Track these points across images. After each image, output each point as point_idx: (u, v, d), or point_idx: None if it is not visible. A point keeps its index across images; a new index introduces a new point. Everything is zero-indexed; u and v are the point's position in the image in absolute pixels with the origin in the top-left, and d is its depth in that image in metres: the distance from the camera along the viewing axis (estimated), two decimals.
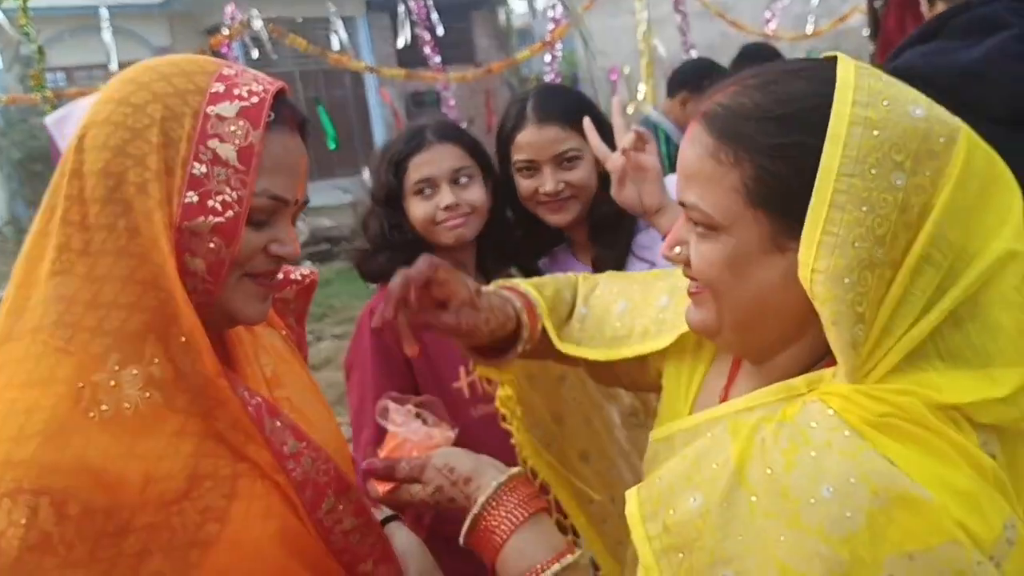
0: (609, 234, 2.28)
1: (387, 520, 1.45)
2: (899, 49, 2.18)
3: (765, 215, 1.02)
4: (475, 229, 2.18)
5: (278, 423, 1.18)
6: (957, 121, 1.00)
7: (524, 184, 2.27)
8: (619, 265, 2.23)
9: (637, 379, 1.52)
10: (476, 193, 2.16)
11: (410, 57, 12.44)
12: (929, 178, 0.95)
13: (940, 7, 2.18)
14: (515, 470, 1.24)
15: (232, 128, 1.12)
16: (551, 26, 8.31)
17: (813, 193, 0.96)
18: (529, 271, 2.41)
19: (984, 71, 1.95)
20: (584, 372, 1.66)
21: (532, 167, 2.24)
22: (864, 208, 0.94)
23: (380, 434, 1.77)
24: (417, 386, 2.14)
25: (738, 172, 1.03)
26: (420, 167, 2.14)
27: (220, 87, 1.13)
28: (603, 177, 2.22)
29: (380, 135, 22.96)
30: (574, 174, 2.22)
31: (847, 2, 13.13)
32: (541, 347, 1.50)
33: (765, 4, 12.21)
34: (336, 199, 13.09)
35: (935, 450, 0.91)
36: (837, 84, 0.99)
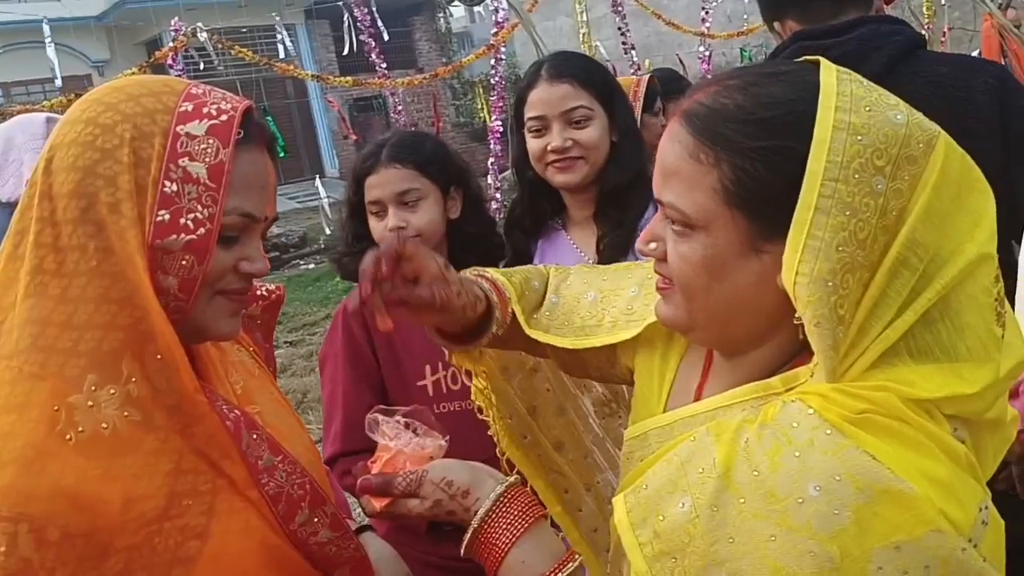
0: (616, 210, 2.28)
1: (360, 530, 1.47)
2: None
3: (743, 216, 1.03)
4: None
5: (255, 436, 1.18)
6: (935, 127, 1.02)
7: (534, 144, 2.30)
8: (624, 252, 2.22)
9: (606, 371, 1.52)
10: (422, 216, 2.17)
11: (353, 63, 12.48)
12: (908, 183, 0.97)
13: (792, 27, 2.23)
14: (512, 479, 1.25)
15: (202, 146, 1.12)
16: (494, 30, 8.45)
17: (799, 197, 0.97)
18: (521, 251, 2.45)
19: None
20: (554, 363, 1.66)
21: (542, 125, 2.28)
22: (847, 212, 0.95)
23: (351, 430, 1.80)
24: (384, 382, 2.19)
25: (717, 172, 1.03)
26: (372, 188, 2.19)
27: (188, 106, 1.14)
28: (615, 146, 2.27)
29: (325, 141, 22.94)
30: (583, 133, 2.25)
31: None
32: (512, 334, 1.50)
33: (699, 3, 12.46)
34: (283, 206, 13.10)
35: (913, 442, 0.94)
36: (821, 89, 1.00)
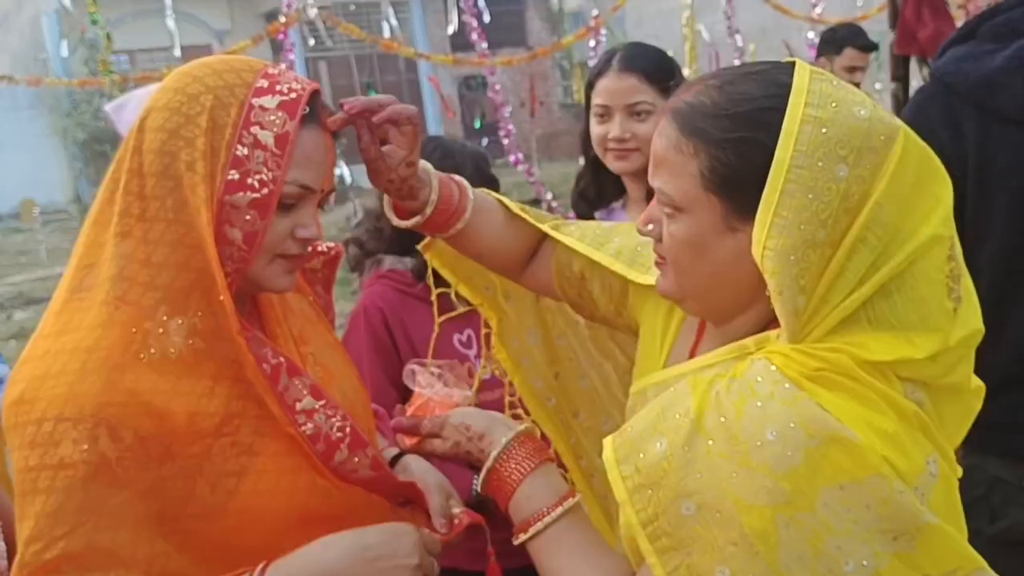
0: None
1: (402, 454, 1.60)
2: (944, 46, 2.29)
3: (718, 199, 1.16)
4: None
5: (296, 382, 1.33)
6: (897, 121, 1.14)
7: (596, 129, 2.42)
8: None
9: (613, 315, 1.64)
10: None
11: (463, 40, 12.60)
12: (869, 170, 1.09)
13: None
14: (523, 426, 1.39)
15: (271, 117, 1.27)
16: (595, 12, 8.46)
17: (767, 181, 1.09)
18: (587, 219, 2.60)
19: (999, 80, 2.06)
20: (574, 326, 1.81)
21: (606, 113, 2.39)
22: (810, 195, 1.08)
23: (379, 421, 1.94)
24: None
25: (696, 162, 1.17)
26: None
27: (264, 83, 1.29)
28: None
29: (433, 117, 23.21)
30: (643, 127, 2.34)
31: None
32: (513, 235, 1.66)
33: None
34: None
35: (862, 398, 1.06)
36: (793, 87, 1.12)
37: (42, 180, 19.47)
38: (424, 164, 1.52)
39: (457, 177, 1.62)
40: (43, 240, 14.28)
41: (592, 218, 2.61)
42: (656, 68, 2.37)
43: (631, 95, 2.35)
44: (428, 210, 1.53)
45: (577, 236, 1.61)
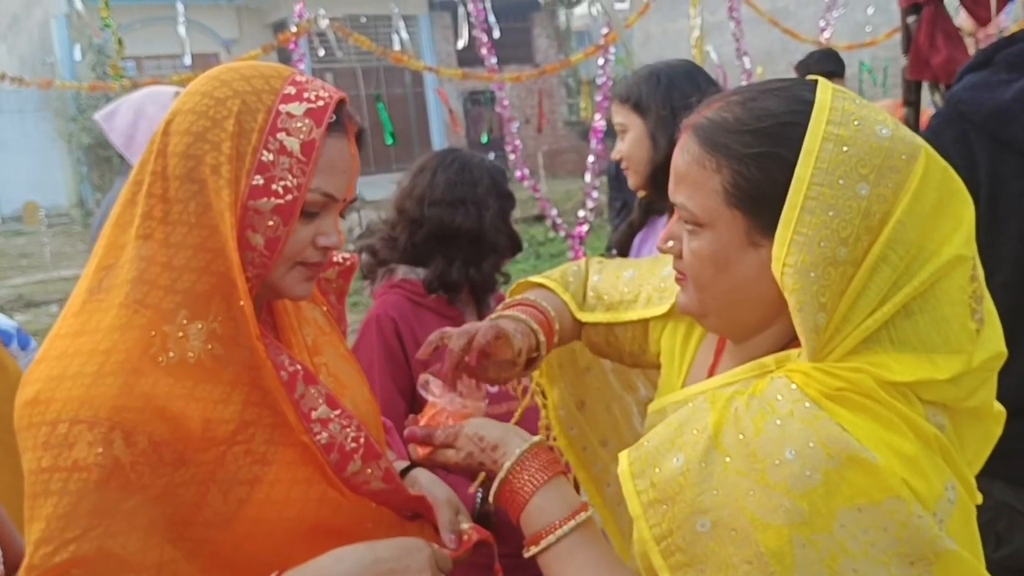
0: (661, 200, 2.54)
1: (410, 467, 1.59)
2: (962, 71, 2.30)
3: (741, 214, 1.16)
4: None
5: (312, 390, 1.32)
6: (919, 141, 1.13)
7: None
8: None
9: (639, 355, 1.66)
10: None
11: (470, 56, 12.65)
12: (891, 189, 1.08)
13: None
14: (537, 438, 1.37)
15: (298, 124, 1.26)
16: (605, 30, 8.47)
17: (787, 198, 1.09)
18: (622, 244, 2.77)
19: (1011, 111, 2.07)
20: (600, 363, 1.83)
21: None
22: (830, 213, 1.07)
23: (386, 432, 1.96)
24: (415, 389, 2.26)
25: (719, 177, 1.17)
26: None
27: (292, 90, 1.29)
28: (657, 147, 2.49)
29: (437, 131, 23.24)
30: (623, 144, 2.49)
31: None
32: (564, 331, 1.68)
33: (823, 12, 12.17)
34: (391, 193, 13.37)
35: (882, 419, 1.05)
36: (815, 105, 1.12)
37: (45, 183, 19.48)
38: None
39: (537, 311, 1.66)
40: (47, 243, 14.28)
41: (645, 223, 2.74)
42: (626, 90, 2.49)
43: (614, 117, 2.51)
44: (543, 352, 1.60)
45: (604, 306, 1.66)
